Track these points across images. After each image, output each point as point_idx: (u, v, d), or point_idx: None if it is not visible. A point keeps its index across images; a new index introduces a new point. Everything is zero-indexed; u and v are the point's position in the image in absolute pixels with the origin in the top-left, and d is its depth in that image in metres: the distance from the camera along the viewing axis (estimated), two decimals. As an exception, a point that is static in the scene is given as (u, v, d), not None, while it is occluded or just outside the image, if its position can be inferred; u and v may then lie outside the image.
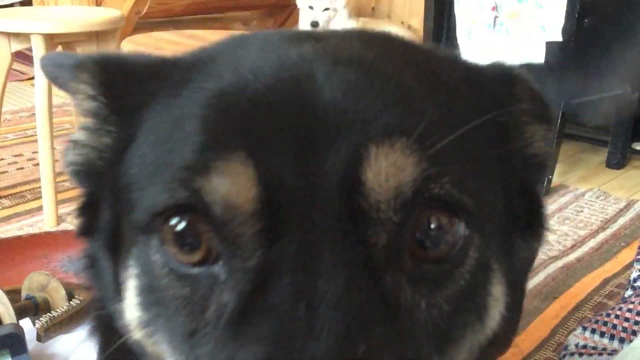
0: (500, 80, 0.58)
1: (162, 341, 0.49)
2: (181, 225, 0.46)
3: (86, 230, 0.61)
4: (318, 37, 0.54)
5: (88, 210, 0.61)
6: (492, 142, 0.53)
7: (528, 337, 2.08)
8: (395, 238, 0.43)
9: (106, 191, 0.58)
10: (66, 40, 2.79)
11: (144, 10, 5.02)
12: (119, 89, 0.56)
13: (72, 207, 2.89)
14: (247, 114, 0.44)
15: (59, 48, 2.90)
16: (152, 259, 0.48)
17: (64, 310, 1.48)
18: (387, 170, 0.42)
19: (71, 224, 2.74)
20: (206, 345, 0.44)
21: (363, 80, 0.46)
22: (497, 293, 0.52)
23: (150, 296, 0.49)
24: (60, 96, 4.55)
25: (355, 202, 0.42)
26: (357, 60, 0.48)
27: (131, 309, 0.52)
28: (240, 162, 0.42)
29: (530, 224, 0.59)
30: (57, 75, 0.62)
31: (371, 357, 0.39)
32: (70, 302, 1.52)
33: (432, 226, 0.44)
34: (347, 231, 0.42)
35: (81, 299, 1.53)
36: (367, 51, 0.50)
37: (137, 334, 0.52)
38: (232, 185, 0.42)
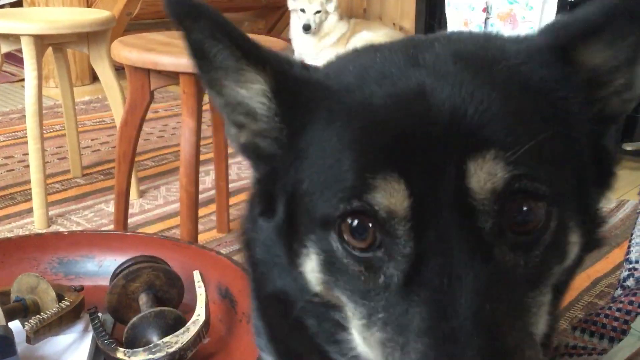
0: (563, 46, 0.69)
1: (340, 294, 0.69)
2: (355, 223, 0.65)
3: (262, 214, 0.77)
4: (424, 61, 0.68)
5: (264, 199, 0.77)
6: (564, 119, 0.68)
7: (519, 337, 2.09)
8: (497, 221, 0.62)
9: (281, 192, 0.74)
10: (56, 41, 2.78)
11: (135, 12, 5.01)
12: (290, 102, 0.73)
13: (62, 209, 2.88)
14: (391, 141, 0.63)
15: (49, 49, 2.89)
16: (331, 244, 0.67)
17: (53, 312, 1.47)
18: (484, 177, 0.61)
19: (61, 226, 2.73)
20: (380, 302, 0.65)
21: (465, 102, 0.63)
22: (574, 239, 0.69)
23: (329, 266, 0.69)
24: (51, 98, 4.54)
25: (468, 202, 0.61)
26: (462, 85, 0.64)
27: (313, 273, 0.71)
28: (396, 181, 0.62)
29: (602, 175, 0.73)
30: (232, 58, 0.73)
31: (492, 306, 0.60)
32: (60, 303, 1.51)
33: (521, 209, 0.63)
34: (465, 223, 0.61)
35: (70, 300, 1.53)
36: (469, 74, 0.66)
37: (317, 287, 0.72)
38: (392, 198, 0.62)
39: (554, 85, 0.68)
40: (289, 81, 0.72)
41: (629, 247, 1.41)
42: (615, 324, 1.18)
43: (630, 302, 1.19)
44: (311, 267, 0.72)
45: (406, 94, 0.65)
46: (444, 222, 0.61)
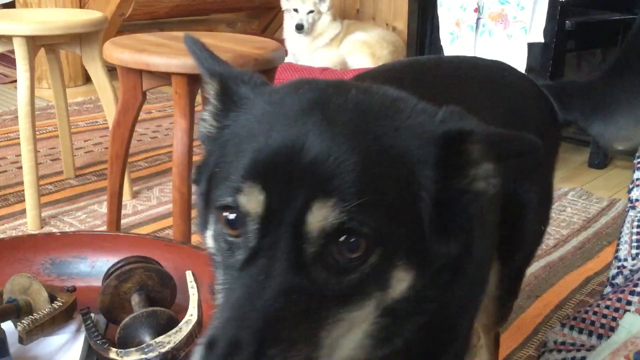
0: (447, 144, 0.83)
1: (217, 260, 0.88)
2: (226, 215, 0.83)
3: (195, 181, 0.96)
4: (323, 108, 0.84)
5: (196, 171, 0.96)
6: (422, 187, 0.83)
7: (511, 335, 2.10)
8: (319, 249, 0.78)
9: (205, 169, 0.93)
10: (49, 42, 2.78)
11: (128, 13, 5.01)
12: (226, 103, 0.92)
13: (55, 210, 2.88)
14: (267, 163, 0.80)
15: (42, 50, 2.90)
16: (216, 221, 0.86)
17: (46, 312, 1.47)
18: (318, 217, 0.77)
19: (54, 227, 2.73)
20: (229, 275, 0.82)
21: (331, 154, 0.78)
22: (401, 276, 0.82)
23: (215, 238, 0.88)
24: (44, 99, 4.53)
25: (302, 229, 0.77)
26: (330, 129, 0.81)
27: (209, 239, 0.90)
28: (258, 191, 0.79)
29: (454, 230, 0.86)
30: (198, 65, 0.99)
31: (287, 305, 0.75)
32: (52, 304, 1.51)
33: (342, 244, 0.78)
34: (294, 242, 0.77)
35: (63, 301, 1.53)
36: (347, 131, 0.81)
37: (210, 251, 0.91)
38: (250, 202, 0.79)
39: (416, 160, 0.83)
40: (228, 90, 0.93)
41: (617, 245, 1.42)
42: (603, 321, 1.19)
43: (618, 300, 1.20)
44: (209, 234, 0.90)
45: (294, 133, 0.81)
46: (281, 235, 0.77)
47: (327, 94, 0.86)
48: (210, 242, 0.91)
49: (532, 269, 2.52)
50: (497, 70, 1.44)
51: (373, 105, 0.87)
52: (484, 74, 1.39)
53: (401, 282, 0.83)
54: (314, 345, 0.77)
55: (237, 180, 0.81)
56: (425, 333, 0.92)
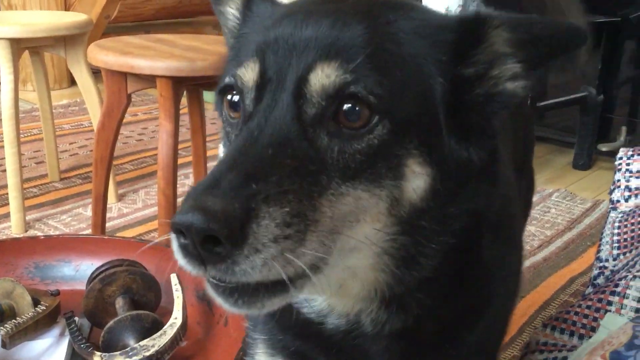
0: (462, 29, 0.81)
1: (222, 140, 0.91)
2: (229, 97, 0.84)
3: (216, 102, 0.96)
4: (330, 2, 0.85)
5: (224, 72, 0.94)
6: (434, 74, 0.80)
7: (496, 336, 2.11)
8: (320, 112, 0.76)
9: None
10: (33, 44, 2.76)
11: (114, 15, 4.99)
12: (247, 14, 0.96)
13: (39, 213, 2.86)
14: (265, 42, 0.81)
15: (26, 53, 2.88)
16: (220, 105, 0.88)
17: (29, 316, 1.47)
18: (322, 76, 0.75)
19: (39, 230, 2.71)
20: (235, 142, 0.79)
21: (329, 25, 0.78)
22: (416, 168, 0.78)
23: (223, 130, 0.89)
24: (29, 102, 4.50)
25: (303, 90, 0.76)
26: (334, 13, 0.80)
27: (220, 147, 0.92)
28: (253, 62, 0.80)
29: (476, 135, 0.81)
30: None
31: (277, 162, 0.73)
32: (36, 308, 1.51)
33: (348, 108, 0.76)
34: (294, 103, 0.76)
35: (47, 305, 1.52)
36: (349, 7, 0.82)
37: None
38: (248, 72, 0.80)
39: (430, 42, 0.81)
40: (251, 4, 0.95)
41: (599, 246, 1.43)
42: (584, 321, 1.20)
43: (599, 300, 1.22)
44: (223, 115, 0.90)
45: (299, 15, 0.82)
46: (279, 97, 0.76)
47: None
48: (221, 149, 0.92)
49: (517, 269, 2.54)
50: None
51: (382, 3, 0.87)
52: None
53: (417, 176, 0.78)
54: (311, 209, 0.72)
55: (237, 62, 0.82)
56: (453, 280, 0.86)
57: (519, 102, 0.87)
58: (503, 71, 0.81)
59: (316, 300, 0.89)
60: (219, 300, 0.76)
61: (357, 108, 0.75)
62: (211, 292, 0.76)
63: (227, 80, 0.83)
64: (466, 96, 0.81)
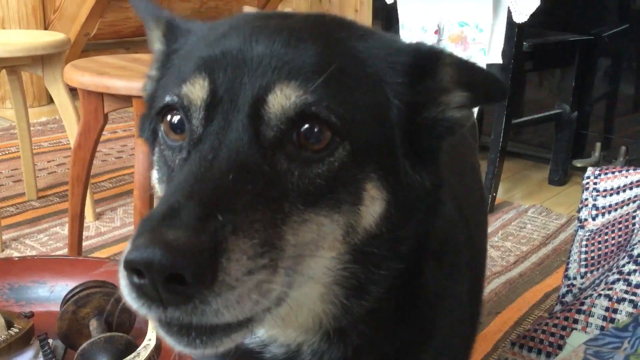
0: (418, 56, 0.82)
1: (155, 173, 0.84)
2: (169, 117, 0.78)
3: (140, 129, 0.92)
4: (272, 16, 0.85)
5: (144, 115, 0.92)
6: (390, 96, 0.80)
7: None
8: (279, 135, 0.72)
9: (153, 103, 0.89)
10: (10, 64, 2.76)
11: (93, 32, 4.99)
12: (171, 39, 0.92)
13: (16, 232, 2.84)
14: (209, 58, 0.76)
15: (3, 71, 2.87)
16: (158, 129, 0.82)
17: (1, 339, 1.46)
18: (281, 96, 0.72)
19: (15, 249, 2.69)
20: (176, 174, 0.76)
21: (283, 42, 0.75)
22: (374, 193, 0.77)
23: (158, 156, 0.83)
24: (7, 119, 4.48)
25: (260, 112, 0.72)
26: (284, 29, 0.78)
27: (154, 173, 0.86)
28: (201, 78, 0.74)
29: (427, 160, 0.82)
30: (143, 16, 1.00)
31: (233, 187, 0.67)
32: (9, 330, 1.50)
33: (308, 130, 0.73)
34: (251, 125, 0.72)
35: (20, 327, 1.52)
36: (298, 23, 0.81)
37: (155, 188, 0.86)
38: (194, 90, 0.74)
39: (385, 65, 0.80)
40: (175, 28, 0.92)
41: (567, 264, 1.46)
42: (551, 339, 1.22)
43: (566, 318, 1.24)
44: (155, 166, 0.86)
45: (245, 32, 0.78)
46: (233, 118, 0.72)
47: (279, 13, 0.90)
48: (155, 175, 0.85)
49: (492, 285, 2.56)
50: None
51: (331, 20, 0.86)
52: None
53: (374, 201, 0.76)
54: (277, 237, 0.67)
55: (180, 79, 0.77)
56: (394, 310, 0.84)
57: (464, 128, 0.87)
58: (450, 100, 0.83)
59: (259, 332, 0.85)
60: (170, 340, 0.69)
61: (317, 130, 0.72)
62: (162, 332, 0.69)
63: (168, 99, 0.77)
64: (417, 119, 0.81)
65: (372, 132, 0.77)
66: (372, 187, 0.76)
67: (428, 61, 0.81)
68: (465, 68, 0.83)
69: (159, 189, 0.84)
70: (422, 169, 0.81)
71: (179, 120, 0.77)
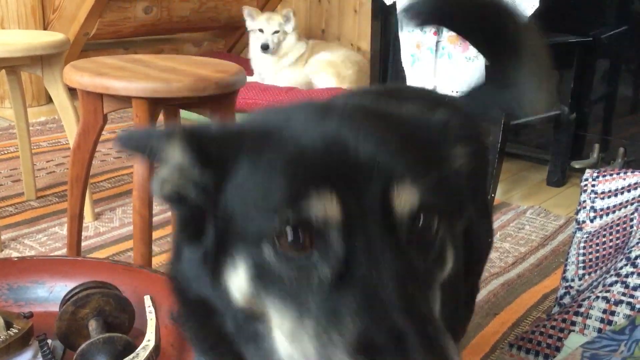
0: (437, 129, 0.88)
1: (269, 303, 0.77)
2: (291, 232, 0.74)
3: (189, 239, 0.85)
4: (336, 110, 0.84)
5: (190, 226, 0.85)
6: (444, 166, 0.86)
7: (469, 353, 2.14)
8: (411, 231, 0.76)
9: (209, 215, 0.82)
10: (9, 64, 2.76)
11: (93, 32, 4.99)
12: (204, 150, 0.81)
13: (15, 232, 2.85)
14: (322, 164, 0.75)
15: (2, 71, 2.88)
16: (264, 256, 0.75)
17: (1, 339, 1.46)
18: (404, 200, 0.75)
19: (14, 250, 2.70)
20: (313, 299, 0.73)
21: (382, 142, 0.78)
22: (449, 254, 0.83)
23: (259, 279, 0.76)
24: (6, 119, 4.48)
25: (389, 217, 0.74)
26: (375, 128, 0.80)
27: (240, 290, 0.79)
28: (329, 193, 0.72)
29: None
30: (144, 145, 0.84)
31: (411, 289, 0.72)
32: (8, 331, 1.51)
33: (424, 223, 0.77)
34: (386, 232, 0.73)
35: (19, 328, 1.52)
36: (377, 121, 0.84)
37: (243, 302, 0.80)
38: (327, 207, 0.72)
39: (437, 143, 0.87)
40: (204, 141, 0.82)
41: (565, 266, 1.46)
42: (549, 341, 1.22)
43: (563, 320, 1.24)
44: (238, 284, 0.79)
45: (332, 133, 0.78)
46: (371, 230, 0.73)
47: (350, 104, 0.88)
48: (244, 291, 0.79)
49: (491, 287, 2.57)
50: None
51: (384, 113, 0.89)
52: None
53: (449, 260, 0.84)
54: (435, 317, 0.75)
55: (293, 192, 0.73)
56: None
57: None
58: (457, 152, 0.90)
59: None
60: None
61: (431, 222, 0.78)
62: None
63: (292, 215, 0.73)
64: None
65: (450, 204, 0.84)
66: (449, 251, 0.83)
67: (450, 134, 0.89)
68: (465, 128, 0.93)
69: (260, 304, 0.79)
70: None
71: (302, 237, 0.74)
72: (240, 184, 0.79)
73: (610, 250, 1.53)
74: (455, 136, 0.89)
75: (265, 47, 5.10)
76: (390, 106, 0.92)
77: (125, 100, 2.09)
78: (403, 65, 3.53)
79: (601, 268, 1.44)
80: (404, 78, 3.56)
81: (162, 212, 3.07)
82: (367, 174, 0.75)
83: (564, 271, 1.46)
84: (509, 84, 1.47)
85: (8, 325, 1.53)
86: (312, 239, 0.73)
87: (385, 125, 0.82)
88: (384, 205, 0.74)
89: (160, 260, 2.64)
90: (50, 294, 1.78)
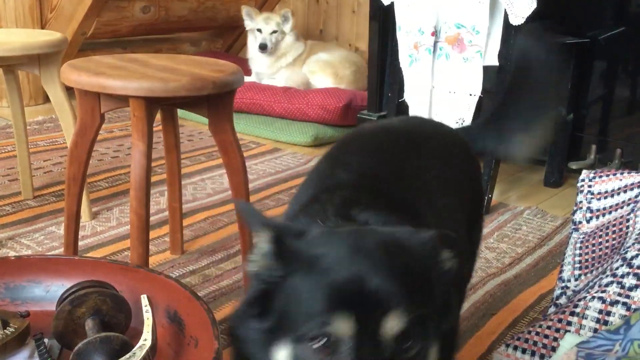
0: (426, 248, 1.08)
1: None
2: (319, 341, 0.99)
3: (258, 313, 1.09)
4: (362, 250, 1.05)
5: (258, 302, 1.09)
6: (432, 281, 1.07)
7: (466, 354, 2.14)
8: (396, 347, 0.98)
9: (275, 305, 1.07)
10: (6, 63, 2.76)
11: (90, 32, 4.99)
12: (282, 248, 1.06)
13: (12, 231, 2.84)
14: (347, 294, 0.99)
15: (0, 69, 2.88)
16: (301, 351, 1.01)
17: (-3, 339, 1.46)
18: (394, 323, 0.97)
19: (11, 249, 2.69)
20: None
21: (386, 277, 1.00)
22: (435, 348, 1.04)
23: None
24: (4, 118, 4.47)
25: (381, 335, 0.97)
26: (382, 264, 1.02)
27: None
28: (349, 316, 0.96)
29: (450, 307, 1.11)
30: (250, 223, 1.13)
31: None
32: (5, 330, 1.50)
33: (409, 339, 0.99)
34: (379, 347, 0.97)
35: (16, 327, 1.52)
36: (384, 254, 1.04)
37: None
38: (346, 325, 0.97)
39: (430, 272, 1.08)
40: (283, 246, 1.07)
41: (561, 266, 1.47)
42: (545, 341, 1.23)
43: (559, 320, 1.25)
44: (282, 357, 1.04)
45: (354, 270, 1.01)
46: (369, 344, 0.97)
47: (362, 240, 1.08)
48: None
49: (488, 287, 2.57)
50: (436, 135, 1.70)
51: (389, 243, 1.08)
52: (430, 146, 1.64)
53: (433, 354, 1.04)
54: None
55: (326, 312, 0.98)
56: None
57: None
58: (444, 257, 1.10)
59: None
60: None
61: (412, 337, 0.99)
62: None
63: (320, 331, 0.98)
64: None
65: (432, 324, 1.04)
66: (433, 348, 1.04)
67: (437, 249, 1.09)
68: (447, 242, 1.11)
69: None
70: (448, 314, 1.09)
71: (324, 343, 0.98)
72: (296, 285, 1.04)
73: (607, 250, 1.53)
74: (440, 247, 1.09)
75: (263, 47, 5.10)
76: (393, 234, 1.11)
77: (122, 100, 2.09)
78: (401, 65, 3.53)
79: (597, 268, 1.44)
80: (402, 79, 3.57)
81: (159, 212, 3.07)
82: (374, 302, 0.97)
83: (561, 271, 1.46)
84: (500, 129, 1.76)
85: (4, 324, 1.53)
86: (335, 344, 0.97)
87: (389, 258, 1.04)
88: (379, 327, 0.96)
89: (157, 259, 2.64)
90: (47, 293, 1.78)
